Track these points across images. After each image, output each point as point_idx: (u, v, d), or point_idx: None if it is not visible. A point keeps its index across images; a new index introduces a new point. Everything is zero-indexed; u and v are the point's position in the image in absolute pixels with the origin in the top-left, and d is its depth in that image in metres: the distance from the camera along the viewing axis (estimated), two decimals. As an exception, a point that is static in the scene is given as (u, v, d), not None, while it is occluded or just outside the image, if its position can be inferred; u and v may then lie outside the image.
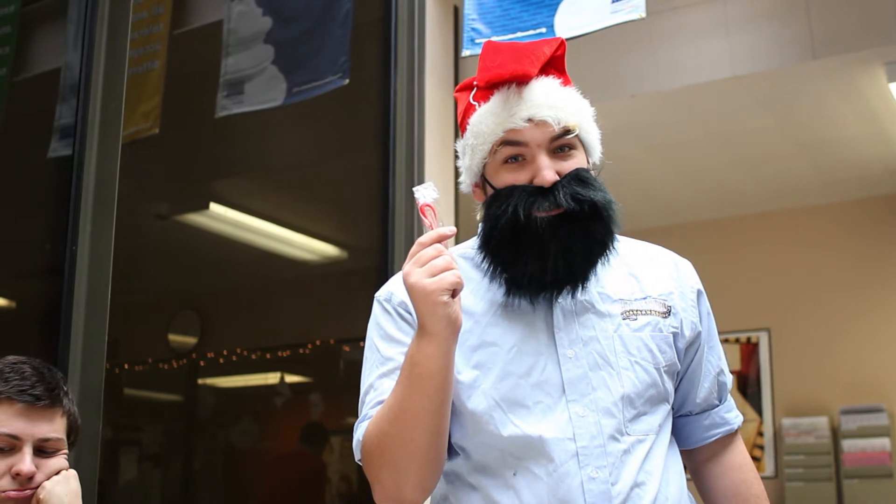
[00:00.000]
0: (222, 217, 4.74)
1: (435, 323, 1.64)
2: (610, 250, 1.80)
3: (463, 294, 1.74)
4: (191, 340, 4.72)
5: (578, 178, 1.78)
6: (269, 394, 5.29)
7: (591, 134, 1.86)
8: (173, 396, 4.98)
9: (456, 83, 4.65)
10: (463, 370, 1.77)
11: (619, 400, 1.75)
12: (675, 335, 1.85)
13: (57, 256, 3.04)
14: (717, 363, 1.93)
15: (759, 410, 7.12)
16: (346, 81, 3.93)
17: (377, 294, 1.92)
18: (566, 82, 1.87)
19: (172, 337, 4.70)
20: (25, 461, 1.90)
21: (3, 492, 1.90)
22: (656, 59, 5.34)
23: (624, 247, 1.92)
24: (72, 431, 2.02)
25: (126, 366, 4.15)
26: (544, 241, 1.74)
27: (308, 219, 5.18)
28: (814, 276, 7.17)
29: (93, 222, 3.02)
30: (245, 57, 4.09)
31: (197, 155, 4.53)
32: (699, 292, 1.93)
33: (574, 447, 1.72)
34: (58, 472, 1.96)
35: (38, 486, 1.93)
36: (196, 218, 4.41)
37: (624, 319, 1.81)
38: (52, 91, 3.25)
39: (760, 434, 7.10)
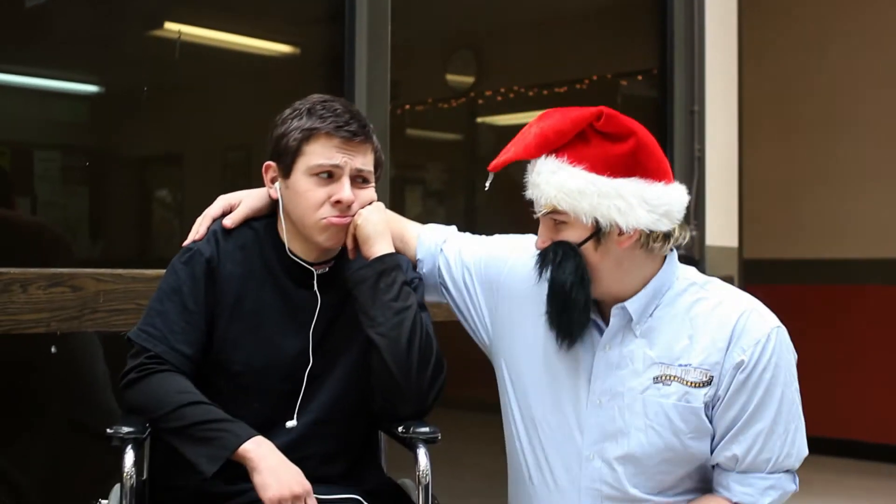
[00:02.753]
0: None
1: None
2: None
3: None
4: (468, 80, 4.73)
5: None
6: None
7: None
8: (453, 135, 5.07)
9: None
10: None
11: (622, 456, 1.92)
12: (706, 404, 1.88)
13: (337, 2, 3.09)
14: (734, 449, 1.90)
15: None
16: None
17: None
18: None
19: (450, 77, 4.73)
20: (345, 189, 2.01)
21: (325, 218, 2.01)
22: None
23: (699, 296, 1.94)
24: (378, 166, 2.11)
25: (407, 106, 4.24)
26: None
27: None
28: None
29: (369, -34, 3.03)
30: None
31: None
32: (740, 364, 1.88)
33: (579, 486, 1.97)
34: (370, 203, 2.08)
35: (354, 214, 2.05)
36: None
37: (655, 383, 1.91)
38: None
39: None
